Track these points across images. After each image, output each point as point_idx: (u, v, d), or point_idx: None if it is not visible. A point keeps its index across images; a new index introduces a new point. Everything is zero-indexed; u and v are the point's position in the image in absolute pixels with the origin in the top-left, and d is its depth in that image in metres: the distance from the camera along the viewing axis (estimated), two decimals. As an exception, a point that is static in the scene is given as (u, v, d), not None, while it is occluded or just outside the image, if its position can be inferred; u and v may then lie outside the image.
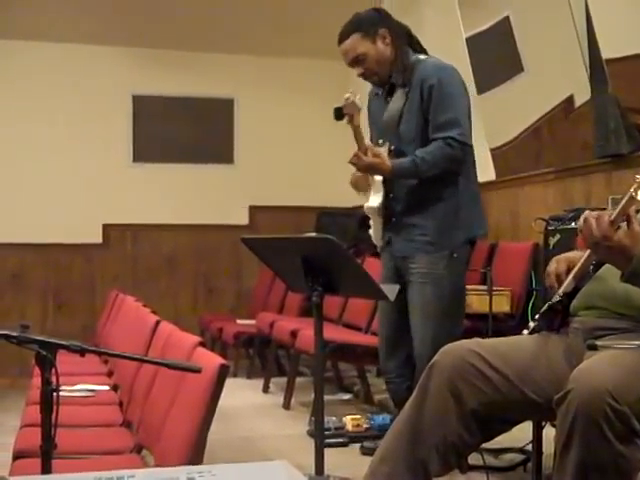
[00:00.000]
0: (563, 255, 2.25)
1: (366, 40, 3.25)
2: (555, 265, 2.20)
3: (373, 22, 3.27)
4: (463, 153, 3.16)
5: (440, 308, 3.20)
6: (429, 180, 3.19)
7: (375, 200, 3.34)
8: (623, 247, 1.85)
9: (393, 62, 3.26)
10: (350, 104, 3.21)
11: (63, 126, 6.62)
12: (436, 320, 3.21)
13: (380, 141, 3.36)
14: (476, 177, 3.33)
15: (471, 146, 3.24)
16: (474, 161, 3.32)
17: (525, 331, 2.22)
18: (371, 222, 3.45)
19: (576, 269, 2.13)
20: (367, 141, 3.32)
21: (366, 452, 3.56)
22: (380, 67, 3.27)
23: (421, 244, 3.24)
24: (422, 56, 3.32)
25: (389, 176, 3.24)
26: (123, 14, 6.38)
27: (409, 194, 3.28)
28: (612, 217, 1.85)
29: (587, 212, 1.91)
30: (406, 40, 3.31)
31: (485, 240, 5.14)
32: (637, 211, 1.91)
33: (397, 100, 3.29)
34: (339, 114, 3.23)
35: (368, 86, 3.49)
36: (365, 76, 3.34)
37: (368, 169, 3.26)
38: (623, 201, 1.85)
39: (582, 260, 2.12)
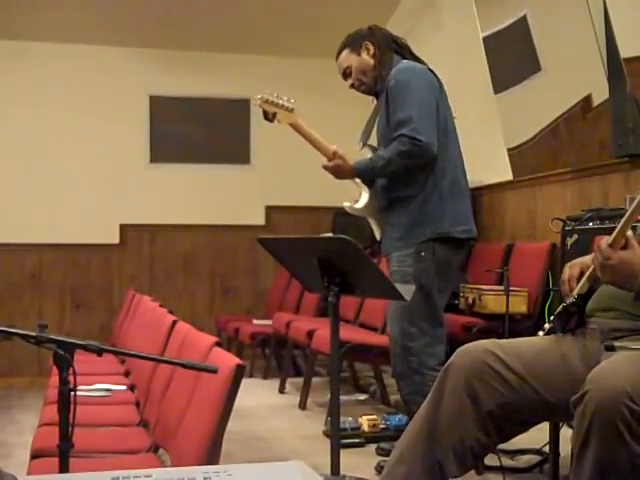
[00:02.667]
0: (577, 260, 2.25)
1: (352, 54, 3.49)
2: (569, 271, 2.20)
3: (359, 37, 3.48)
4: (419, 149, 3.21)
5: (407, 306, 3.17)
6: (399, 179, 3.31)
7: (362, 202, 3.48)
8: (625, 262, 1.92)
9: (374, 71, 3.44)
10: (266, 104, 3.51)
11: (80, 127, 6.66)
12: (403, 318, 3.28)
13: (360, 144, 3.53)
14: (454, 173, 3.33)
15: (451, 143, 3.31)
16: (453, 157, 3.34)
17: (541, 332, 2.22)
18: (370, 222, 3.56)
19: (590, 270, 2.12)
20: (334, 146, 3.44)
21: (382, 453, 3.56)
22: (365, 77, 3.48)
23: (394, 241, 3.37)
24: (403, 62, 3.41)
25: (352, 176, 3.43)
26: (140, 16, 6.41)
27: (384, 193, 3.41)
28: (609, 241, 1.94)
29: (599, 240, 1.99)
30: (392, 49, 3.44)
31: (502, 240, 5.14)
32: (633, 227, 1.97)
33: (377, 107, 3.50)
34: (265, 117, 3.52)
35: None
36: (355, 87, 3.57)
37: (335, 172, 3.42)
38: (621, 223, 1.92)
39: (595, 270, 2.11)
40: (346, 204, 3.51)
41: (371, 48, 3.45)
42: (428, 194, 3.29)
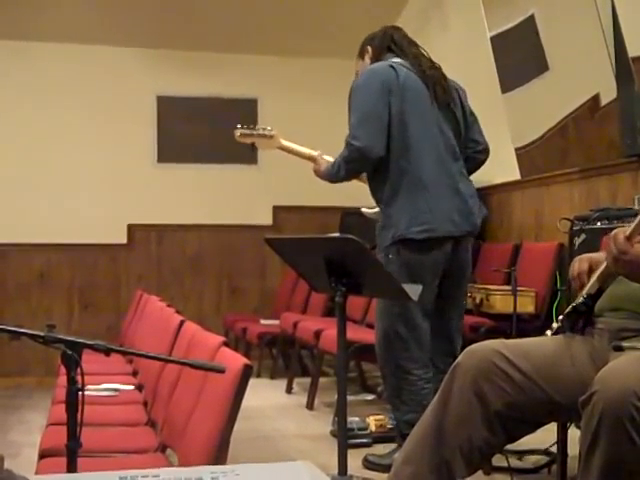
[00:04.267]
0: (585, 255, 2.23)
1: (359, 58, 3.63)
2: (577, 265, 2.19)
3: (366, 41, 3.60)
4: (356, 153, 3.29)
5: (380, 308, 3.37)
6: (371, 184, 3.46)
7: (377, 207, 3.52)
8: None
9: None
10: (241, 137, 3.81)
11: (88, 127, 6.68)
12: (383, 320, 3.37)
13: None
14: (416, 172, 3.30)
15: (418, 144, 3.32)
16: (415, 156, 3.31)
17: (548, 332, 2.20)
18: None
19: (600, 270, 2.11)
20: (317, 151, 3.65)
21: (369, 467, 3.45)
22: None
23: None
24: (372, 64, 3.51)
25: (322, 179, 3.59)
26: (147, 16, 6.42)
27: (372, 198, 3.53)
28: (627, 233, 1.89)
29: (615, 230, 1.94)
30: (387, 49, 3.51)
31: (509, 240, 5.13)
32: None
33: None
34: (252, 147, 3.84)
35: None
36: None
37: (316, 175, 3.64)
38: (638, 218, 1.87)
39: (607, 262, 2.10)
40: (363, 209, 3.61)
41: (370, 51, 3.54)
42: (388, 197, 3.36)
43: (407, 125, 3.31)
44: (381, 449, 3.63)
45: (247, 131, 3.78)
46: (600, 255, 2.20)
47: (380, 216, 3.44)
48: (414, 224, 3.27)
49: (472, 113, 3.56)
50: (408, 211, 3.29)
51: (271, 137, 3.76)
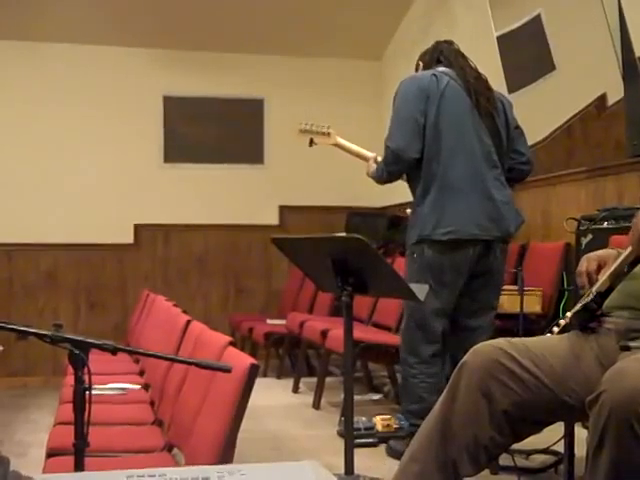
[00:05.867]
0: (594, 253, 2.22)
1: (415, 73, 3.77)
2: (586, 264, 2.18)
3: (418, 59, 3.76)
4: (390, 156, 3.49)
5: (405, 304, 3.62)
6: (409, 185, 3.62)
7: None
8: None
9: None
10: (301, 133, 4.01)
11: (95, 127, 6.69)
12: (405, 313, 3.60)
13: None
14: (446, 176, 3.44)
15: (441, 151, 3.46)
16: (445, 160, 3.44)
17: (555, 328, 2.19)
18: None
19: (613, 268, 2.11)
20: (372, 153, 3.81)
21: (392, 454, 3.55)
22: None
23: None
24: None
25: (372, 180, 3.73)
26: (153, 17, 6.43)
27: None
28: None
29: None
30: (434, 61, 3.66)
31: (516, 240, 5.12)
32: None
33: None
34: (310, 143, 4.04)
35: None
36: None
37: (367, 175, 3.78)
38: None
39: (620, 259, 2.09)
40: (409, 210, 3.72)
41: (421, 66, 3.71)
42: (418, 197, 3.52)
43: (442, 130, 3.45)
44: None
45: (306, 127, 4.01)
46: (609, 253, 2.19)
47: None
48: (440, 226, 3.41)
49: (518, 126, 3.69)
50: (435, 212, 3.43)
51: (328, 134, 4.01)
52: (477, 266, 3.49)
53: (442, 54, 3.64)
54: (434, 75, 3.51)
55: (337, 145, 4.02)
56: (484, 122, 3.51)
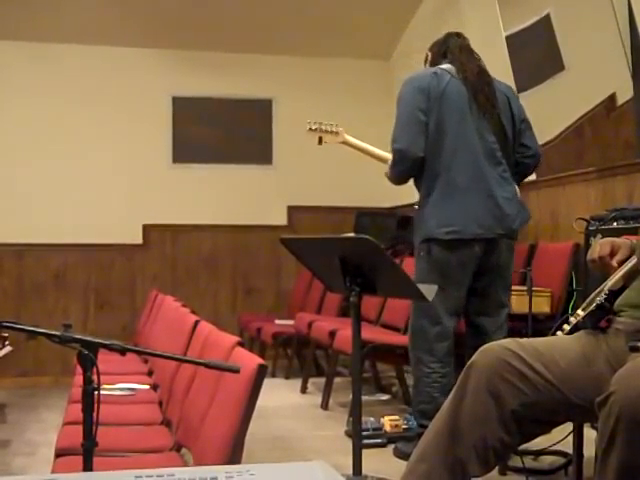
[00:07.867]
0: (607, 239, 2.20)
1: (425, 65, 3.77)
2: (599, 248, 2.16)
3: (428, 50, 3.75)
4: (395, 155, 3.52)
5: (412, 303, 3.63)
6: (415, 185, 3.64)
7: None
8: None
9: None
10: (310, 132, 4.06)
11: (103, 128, 6.70)
12: (413, 313, 3.60)
13: None
14: (448, 175, 3.46)
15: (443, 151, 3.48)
16: (447, 159, 3.46)
17: (566, 326, 2.17)
18: None
19: (627, 268, 2.09)
20: (379, 150, 3.90)
21: (399, 455, 3.55)
22: None
23: None
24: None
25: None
26: (162, 17, 6.44)
27: None
28: None
29: None
30: (441, 53, 3.66)
31: (525, 240, 5.11)
32: None
33: None
34: (319, 141, 4.09)
35: None
36: None
37: (386, 176, 3.75)
38: None
39: (634, 260, 2.08)
40: (417, 207, 3.75)
41: (429, 58, 3.72)
42: (422, 197, 3.56)
43: (443, 129, 3.46)
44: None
45: (315, 126, 4.08)
46: (623, 240, 2.17)
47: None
48: (442, 225, 3.44)
49: (525, 120, 3.68)
50: (438, 212, 3.46)
51: (337, 133, 4.09)
52: (483, 263, 3.51)
53: (448, 48, 3.63)
54: (435, 73, 3.51)
55: (346, 143, 4.07)
56: (486, 119, 3.50)
